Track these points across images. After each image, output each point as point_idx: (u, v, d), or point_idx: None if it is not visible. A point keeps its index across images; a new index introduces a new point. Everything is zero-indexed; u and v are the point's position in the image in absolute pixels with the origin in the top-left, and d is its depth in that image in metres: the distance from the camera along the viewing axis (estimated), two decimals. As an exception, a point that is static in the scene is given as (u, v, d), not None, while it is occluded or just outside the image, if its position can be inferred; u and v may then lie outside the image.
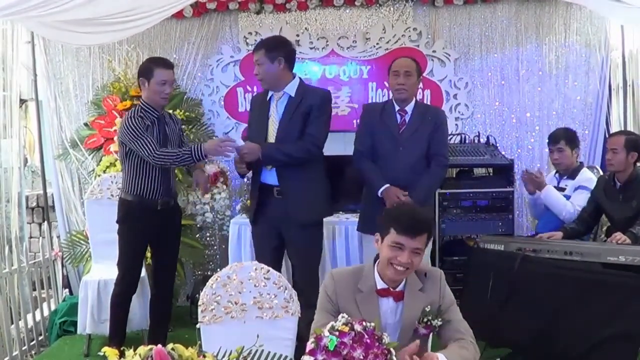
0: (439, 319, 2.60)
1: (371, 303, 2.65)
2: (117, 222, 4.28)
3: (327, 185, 4.23)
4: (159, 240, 4.31)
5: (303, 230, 4.06)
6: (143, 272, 4.55)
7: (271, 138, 4.07)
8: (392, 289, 2.67)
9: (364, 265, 2.78)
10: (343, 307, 2.60)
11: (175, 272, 4.64)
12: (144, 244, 4.32)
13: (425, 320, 2.60)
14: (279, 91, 4.07)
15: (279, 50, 4.02)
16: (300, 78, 4.14)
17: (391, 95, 4.36)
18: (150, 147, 4.01)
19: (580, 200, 4.46)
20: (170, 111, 4.72)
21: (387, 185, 4.07)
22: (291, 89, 4.06)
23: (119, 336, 4.18)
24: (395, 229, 2.60)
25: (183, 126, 5.42)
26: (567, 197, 4.55)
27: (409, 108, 4.23)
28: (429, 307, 2.61)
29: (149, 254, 4.58)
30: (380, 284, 2.67)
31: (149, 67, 4.13)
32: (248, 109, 5.82)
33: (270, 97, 4.13)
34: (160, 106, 4.20)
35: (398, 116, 4.23)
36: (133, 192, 4.15)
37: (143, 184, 4.13)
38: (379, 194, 4.09)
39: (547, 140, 4.88)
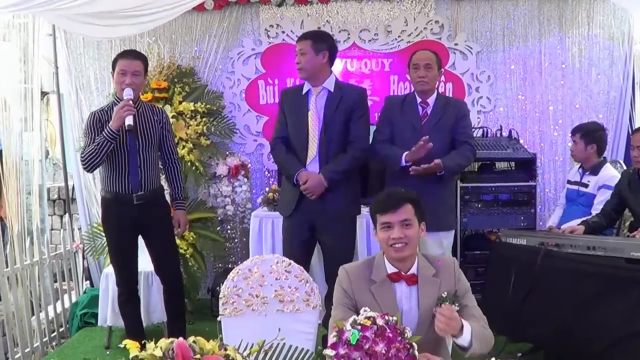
0: (457, 304, 2.57)
1: (386, 291, 2.64)
2: (102, 221, 4.35)
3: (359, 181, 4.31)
4: (145, 235, 4.28)
5: (339, 222, 4.11)
6: (150, 267, 4.50)
7: (312, 132, 4.09)
8: (403, 273, 2.66)
9: (374, 256, 2.78)
10: (359, 300, 2.60)
11: (179, 265, 4.57)
12: (130, 240, 4.23)
13: (442, 305, 2.58)
14: (317, 85, 4.11)
15: (325, 43, 4.08)
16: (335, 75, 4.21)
17: (413, 88, 4.36)
18: (82, 151, 4.10)
19: (605, 201, 4.42)
20: (171, 105, 4.64)
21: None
22: (330, 84, 4.11)
23: (136, 333, 4.13)
24: (378, 212, 2.68)
25: (204, 119, 5.43)
26: (592, 196, 4.53)
27: (431, 100, 4.23)
28: (445, 293, 2.59)
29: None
30: (391, 269, 2.67)
31: (114, 59, 4.13)
32: (269, 101, 5.82)
33: (307, 92, 4.15)
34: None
35: (420, 108, 4.23)
36: (109, 190, 4.14)
37: (116, 180, 4.10)
38: (404, 161, 4.04)
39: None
